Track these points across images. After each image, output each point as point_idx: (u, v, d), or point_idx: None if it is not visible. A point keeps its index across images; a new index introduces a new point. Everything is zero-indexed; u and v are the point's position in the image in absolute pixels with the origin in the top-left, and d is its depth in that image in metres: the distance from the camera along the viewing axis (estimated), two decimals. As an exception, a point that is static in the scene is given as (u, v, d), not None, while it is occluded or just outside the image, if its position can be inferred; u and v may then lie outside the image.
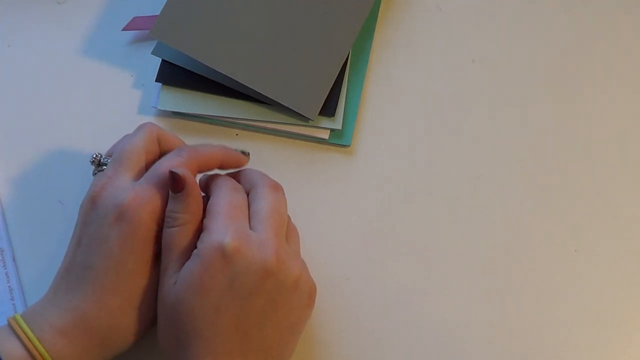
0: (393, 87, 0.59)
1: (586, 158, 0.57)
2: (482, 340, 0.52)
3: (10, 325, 0.44)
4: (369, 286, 0.53)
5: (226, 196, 0.45)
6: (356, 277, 0.54)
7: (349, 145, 0.57)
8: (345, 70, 0.57)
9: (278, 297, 0.44)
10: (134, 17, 0.59)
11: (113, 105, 0.58)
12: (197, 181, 0.46)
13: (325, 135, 0.56)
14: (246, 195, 0.47)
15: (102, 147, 0.56)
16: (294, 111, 0.55)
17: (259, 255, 0.43)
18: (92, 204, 0.46)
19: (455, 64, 0.60)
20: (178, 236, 0.44)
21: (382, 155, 0.57)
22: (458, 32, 0.61)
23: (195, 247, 0.43)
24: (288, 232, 0.47)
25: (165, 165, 0.46)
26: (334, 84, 0.56)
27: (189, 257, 0.43)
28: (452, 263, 0.54)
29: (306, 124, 0.56)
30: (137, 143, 0.47)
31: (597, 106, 0.59)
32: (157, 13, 0.57)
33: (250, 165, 0.56)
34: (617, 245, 0.55)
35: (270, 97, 0.55)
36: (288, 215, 0.48)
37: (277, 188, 0.47)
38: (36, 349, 0.42)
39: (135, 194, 0.45)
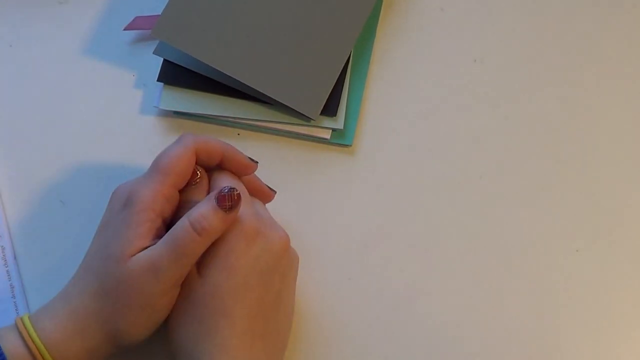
0: (395, 87, 0.59)
1: (588, 157, 0.57)
2: (483, 340, 0.52)
3: (15, 322, 0.44)
4: (370, 286, 0.53)
5: (232, 182, 0.47)
6: (357, 277, 0.54)
7: (350, 145, 0.57)
8: (347, 70, 0.57)
9: (287, 274, 0.47)
10: (136, 17, 0.59)
11: (114, 104, 0.58)
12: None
13: (326, 135, 0.56)
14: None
15: (103, 147, 0.56)
16: (295, 111, 0.55)
17: (275, 235, 0.46)
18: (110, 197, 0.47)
19: (457, 63, 0.60)
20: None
21: (384, 155, 0.57)
22: (459, 32, 0.61)
23: None
24: None
25: (169, 155, 0.46)
26: (335, 84, 0.56)
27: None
28: (454, 263, 0.54)
29: (308, 123, 0.56)
30: (173, 153, 0.47)
31: (598, 106, 0.59)
32: (159, 13, 0.57)
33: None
34: (618, 246, 0.55)
35: (272, 97, 0.55)
36: None
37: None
38: (28, 333, 0.43)
39: (138, 181, 0.46)
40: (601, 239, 0.55)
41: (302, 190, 0.56)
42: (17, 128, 0.57)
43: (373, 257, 0.54)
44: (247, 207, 0.45)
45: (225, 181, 0.47)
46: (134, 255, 0.44)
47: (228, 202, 0.44)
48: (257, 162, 0.50)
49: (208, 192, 0.47)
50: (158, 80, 0.56)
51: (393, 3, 0.61)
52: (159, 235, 0.45)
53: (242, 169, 0.49)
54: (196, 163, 0.47)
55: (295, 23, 0.57)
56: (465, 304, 0.53)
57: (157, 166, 0.46)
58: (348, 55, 0.57)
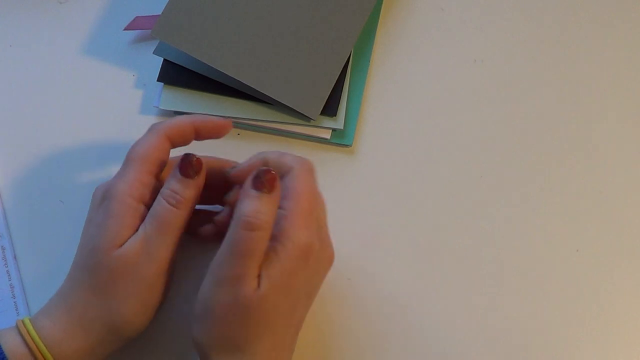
0: (395, 87, 0.59)
1: (588, 157, 0.57)
2: (483, 340, 0.52)
3: (16, 323, 0.45)
4: (370, 286, 0.53)
5: (313, 185, 0.45)
6: (357, 278, 0.54)
7: (350, 145, 0.57)
8: (347, 70, 0.57)
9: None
10: (136, 17, 0.59)
11: (115, 104, 0.58)
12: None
13: (327, 135, 0.56)
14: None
15: (104, 147, 0.56)
16: (295, 111, 0.55)
17: (327, 256, 0.46)
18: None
19: (457, 63, 0.60)
20: (261, 241, 0.42)
21: (384, 155, 0.57)
22: (460, 32, 0.61)
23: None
24: None
25: (140, 144, 0.46)
26: (335, 84, 0.56)
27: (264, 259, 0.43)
28: (454, 263, 0.54)
29: (308, 123, 0.56)
30: (143, 142, 0.47)
31: (599, 106, 0.59)
32: (159, 13, 0.57)
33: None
34: (619, 246, 0.55)
35: (272, 97, 0.55)
36: None
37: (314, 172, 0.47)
38: (28, 332, 0.43)
39: (116, 177, 0.46)
40: (601, 239, 0.55)
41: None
42: (17, 128, 0.57)
43: (373, 257, 0.54)
44: (313, 223, 0.43)
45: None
46: (123, 244, 0.44)
47: (191, 170, 0.45)
48: (230, 119, 0.49)
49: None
50: (158, 80, 0.56)
51: (393, 3, 0.61)
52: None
53: (219, 130, 0.48)
54: (173, 146, 0.47)
55: (296, 23, 0.57)
56: (465, 304, 0.53)
57: (128, 157, 0.47)
58: (348, 55, 0.57)
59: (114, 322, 0.44)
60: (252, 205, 0.41)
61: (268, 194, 0.42)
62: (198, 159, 0.45)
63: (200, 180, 0.46)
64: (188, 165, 0.45)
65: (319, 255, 0.44)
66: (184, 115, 0.49)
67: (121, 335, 0.45)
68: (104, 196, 0.46)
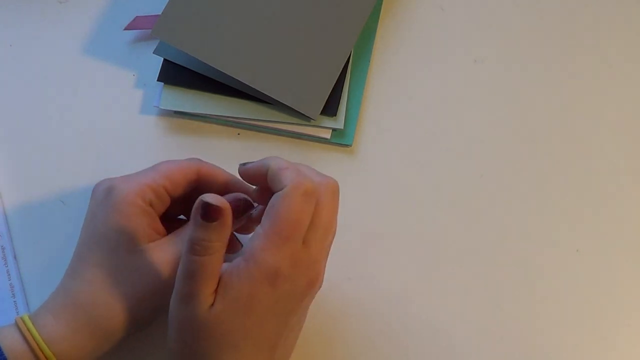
0: (395, 87, 0.59)
1: (589, 157, 0.57)
2: (483, 340, 0.52)
3: (15, 320, 0.45)
4: (370, 286, 0.53)
5: (297, 208, 0.42)
6: (357, 277, 0.54)
7: (350, 145, 0.57)
8: (347, 70, 0.57)
9: (305, 312, 0.45)
10: (136, 17, 0.59)
11: (115, 104, 0.58)
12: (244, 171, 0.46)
13: (327, 134, 0.56)
14: (314, 204, 0.43)
15: (104, 147, 0.56)
16: (295, 111, 0.55)
17: (305, 280, 0.43)
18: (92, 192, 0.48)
19: (457, 63, 0.60)
20: (209, 264, 0.42)
21: (384, 154, 0.57)
22: (460, 32, 0.61)
23: (240, 259, 0.42)
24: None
25: (167, 161, 0.47)
26: (335, 84, 0.56)
27: (218, 279, 0.42)
28: (454, 263, 0.54)
29: (308, 123, 0.56)
30: (175, 161, 0.48)
31: (599, 105, 0.59)
32: (159, 12, 0.57)
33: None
34: (619, 246, 0.55)
35: (272, 97, 0.55)
36: None
37: (336, 191, 0.44)
38: (27, 329, 0.43)
39: (122, 176, 0.47)
40: (601, 239, 0.55)
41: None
42: (17, 128, 0.57)
43: (373, 257, 0.54)
44: (288, 247, 0.42)
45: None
46: (143, 245, 0.45)
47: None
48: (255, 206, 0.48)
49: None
50: (158, 80, 0.56)
51: (393, 3, 0.61)
52: (156, 228, 0.47)
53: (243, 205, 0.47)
54: (197, 184, 0.48)
55: (296, 23, 0.57)
56: (465, 304, 0.53)
57: (153, 166, 0.48)
58: (348, 55, 0.57)
59: (128, 318, 0.44)
60: (197, 232, 0.41)
61: (215, 222, 0.41)
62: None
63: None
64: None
65: (293, 279, 0.42)
66: (225, 171, 0.49)
67: (129, 331, 0.45)
68: (108, 191, 0.46)
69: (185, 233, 0.46)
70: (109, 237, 0.45)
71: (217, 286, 0.42)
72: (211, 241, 0.41)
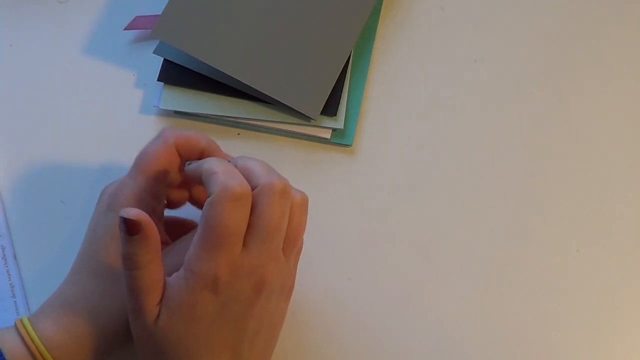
0: (395, 87, 0.59)
1: (589, 157, 0.57)
2: (483, 340, 0.52)
3: (15, 323, 0.45)
4: (370, 286, 0.53)
5: (225, 215, 0.41)
6: (357, 277, 0.54)
7: (350, 145, 0.57)
8: (347, 70, 0.57)
9: (265, 314, 0.43)
10: (136, 17, 0.59)
11: (115, 104, 0.58)
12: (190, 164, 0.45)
13: (327, 134, 0.56)
14: (250, 203, 0.42)
15: (104, 147, 0.56)
16: (295, 110, 0.55)
17: (249, 284, 0.42)
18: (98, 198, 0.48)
19: (457, 63, 0.60)
20: (143, 278, 0.42)
21: (384, 154, 0.57)
22: (460, 31, 0.61)
23: (178, 269, 0.42)
24: (298, 247, 0.46)
25: (148, 153, 0.46)
26: (335, 84, 0.56)
27: (162, 289, 0.42)
28: (454, 263, 0.54)
29: (308, 123, 0.56)
30: (151, 149, 0.47)
31: (599, 105, 0.59)
32: (159, 12, 0.57)
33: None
34: (619, 245, 0.55)
35: (272, 97, 0.55)
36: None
37: (284, 192, 0.43)
38: (28, 333, 0.43)
39: (121, 182, 0.46)
40: (601, 239, 0.55)
41: (302, 190, 0.56)
42: (17, 128, 0.57)
43: (373, 257, 0.54)
44: (224, 254, 0.41)
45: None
46: None
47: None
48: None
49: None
50: (158, 80, 0.56)
51: (393, 3, 0.61)
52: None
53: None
54: (181, 157, 0.47)
55: (296, 23, 0.57)
56: (465, 304, 0.53)
57: (137, 165, 0.47)
58: (348, 55, 0.57)
59: (86, 315, 0.44)
60: (124, 247, 0.41)
61: (136, 235, 0.41)
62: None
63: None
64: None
65: (234, 285, 0.41)
66: (199, 135, 0.47)
67: (127, 340, 0.45)
68: (110, 204, 0.46)
69: (186, 242, 0.46)
70: (109, 249, 0.45)
71: (162, 297, 0.42)
72: (138, 255, 0.41)
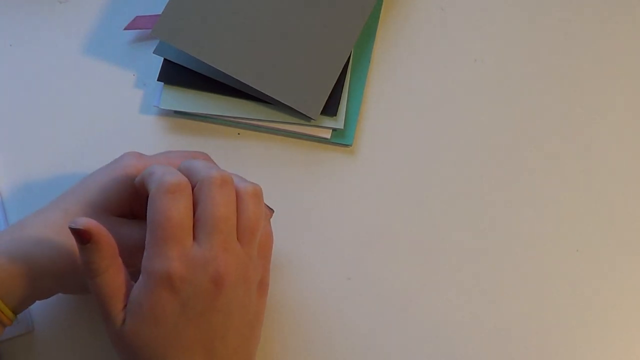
0: (395, 87, 0.59)
1: (589, 157, 0.57)
2: (483, 341, 0.52)
3: None
4: (370, 286, 0.53)
5: (165, 208, 0.41)
6: (357, 277, 0.54)
7: (350, 145, 0.57)
8: (347, 70, 0.57)
9: (233, 308, 0.43)
10: (136, 17, 0.59)
11: (115, 104, 0.58)
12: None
13: (327, 134, 0.56)
14: (191, 194, 0.42)
15: (104, 146, 0.56)
16: (295, 110, 0.55)
17: (207, 277, 0.41)
18: None
19: (457, 63, 0.60)
20: (104, 285, 0.42)
21: (384, 154, 0.57)
22: (460, 31, 0.61)
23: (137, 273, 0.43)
24: (261, 240, 0.45)
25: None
26: (335, 83, 0.56)
27: (126, 293, 0.42)
28: (454, 263, 0.54)
29: (308, 123, 0.56)
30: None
31: (599, 105, 0.59)
32: (159, 12, 0.57)
33: (253, 165, 0.56)
34: (619, 246, 0.55)
35: (272, 97, 0.55)
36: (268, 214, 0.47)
37: (225, 182, 0.43)
38: None
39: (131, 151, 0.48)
40: (601, 239, 0.55)
41: (302, 190, 0.56)
42: (17, 128, 0.57)
43: (373, 257, 0.54)
44: (174, 247, 0.41)
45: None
46: (112, 216, 0.47)
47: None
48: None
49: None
50: (158, 80, 0.56)
51: (393, 3, 0.61)
52: (132, 209, 0.48)
53: None
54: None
55: (296, 23, 0.57)
56: (465, 304, 0.53)
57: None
58: (348, 55, 0.57)
59: (65, 271, 0.45)
60: (80, 256, 0.42)
61: (88, 244, 0.41)
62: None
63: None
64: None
65: (191, 280, 0.41)
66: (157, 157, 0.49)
67: (71, 289, 0.47)
68: (119, 159, 0.48)
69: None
70: (91, 190, 0.46)
71: (127, 302, 0.42)
72: (93, 263, 0.42)
